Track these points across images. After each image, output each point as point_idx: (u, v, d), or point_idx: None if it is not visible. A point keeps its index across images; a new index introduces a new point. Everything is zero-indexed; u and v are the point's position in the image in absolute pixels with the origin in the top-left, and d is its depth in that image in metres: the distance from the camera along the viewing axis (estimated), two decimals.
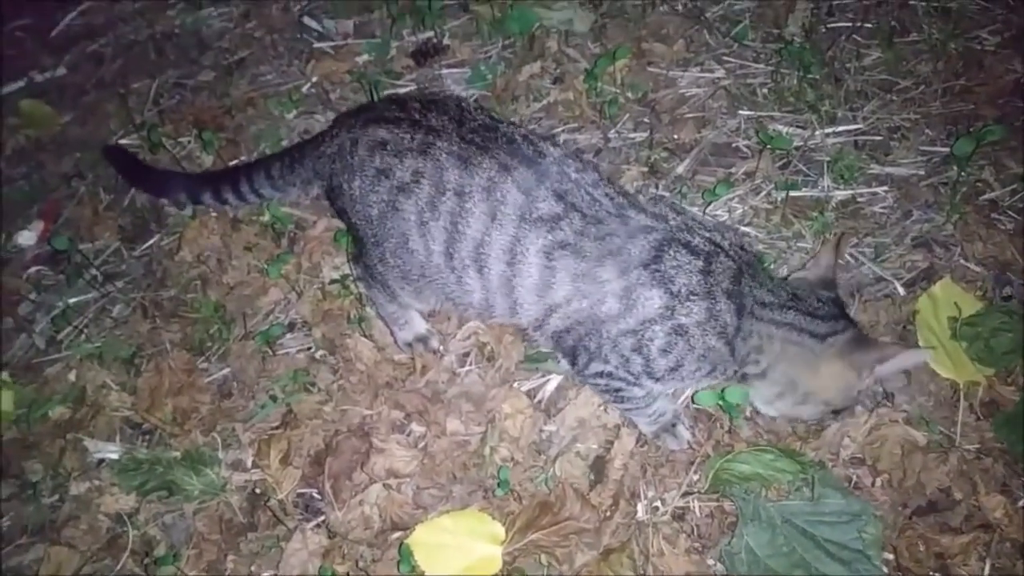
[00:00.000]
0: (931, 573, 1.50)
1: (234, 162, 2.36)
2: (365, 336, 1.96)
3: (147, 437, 1.89)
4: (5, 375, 2.00)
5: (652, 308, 1.38)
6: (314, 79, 2.55)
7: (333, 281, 2.03)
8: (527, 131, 1.55)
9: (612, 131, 2.29)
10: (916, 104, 2.24)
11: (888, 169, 2.12)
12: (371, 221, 1.58)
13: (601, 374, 1.55)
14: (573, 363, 1.59)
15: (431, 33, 2.60)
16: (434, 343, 1.93)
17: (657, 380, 1.53)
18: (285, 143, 2.39)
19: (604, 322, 1.42)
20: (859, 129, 2.20)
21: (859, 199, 2.07)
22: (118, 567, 1.70)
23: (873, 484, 1.63)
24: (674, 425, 1.72)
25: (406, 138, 1.51)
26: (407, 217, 1.51)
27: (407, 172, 1.48)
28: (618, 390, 1.58)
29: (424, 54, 2.56)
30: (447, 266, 1.53)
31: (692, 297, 1.37)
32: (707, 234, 1.40)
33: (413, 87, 2.49)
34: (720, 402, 1.59)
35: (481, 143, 1.46)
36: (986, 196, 2.02)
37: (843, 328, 1.49)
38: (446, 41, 2.59)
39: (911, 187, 2.07)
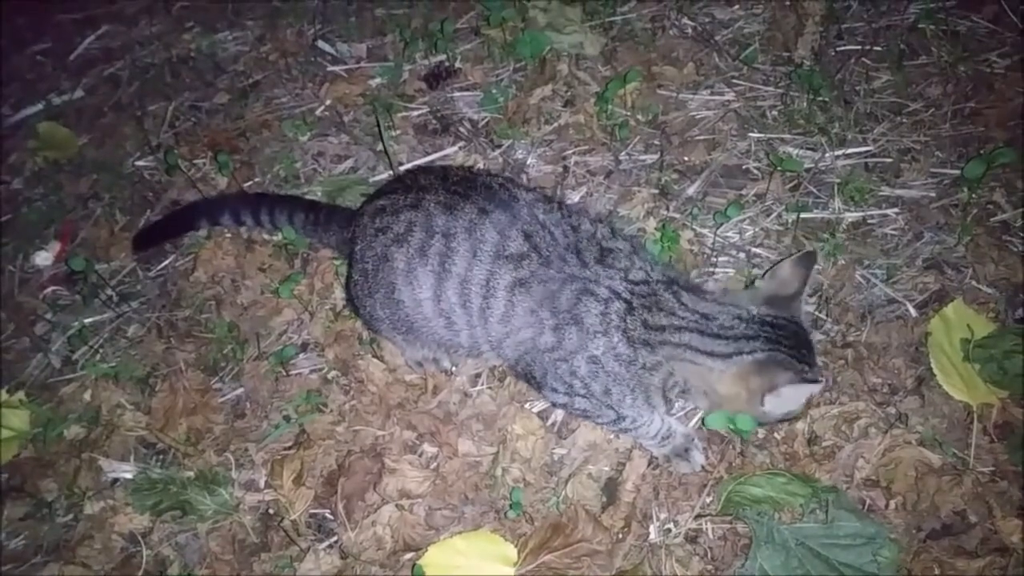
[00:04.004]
0: None
1: (248, 184, 2.39)
2: (376, 357, 1.97)
3: (161, 457, 1.90)
4: (21, 394, 2.01)
5: (572, 343, 1.59)
6: (328, 102, 2.58)
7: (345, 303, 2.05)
8: (503, 179, 1.75)
9: (623, 153, 2.31)
10: (926, 126, 2.25)
11: (899, 191, 2.13)
12: (366, 275, 1.75)
13: (557, 395, 1.69)
14: (538, 388, 1.73)
15: (443, 57, 2.63)
16: (445, 363, 1.93)
17: (606, 406, 1.65)
18: (299, 165, 2.42)
19: (543, 352, 1.63)
20: (869, 151, 2.21)
21: (870, 221, 2.08)
22: None
23: (887, 507, 1.62)
24: (687, 449, 1.72)
25: (401, 199, 1.72)
26: (395, 267, 1.68)
27: (402, 225, 1.68)
28: (585, 411, 1.69)
29: (436, 77, 2.59)
30: (435, 310, 1.68)
31: (596, 335, 1.57)
32: (609, 282, 1.58)
33: (425, 110, 2.52)
34: (731, 426, 1.59)
35: (463, 192, 1.67)
36: (997, 218, 2.02)
37: (751, 350, 1.49)
38: (458, 64, 2.62)
39: (922, 209, 2.08)
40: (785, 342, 1.50)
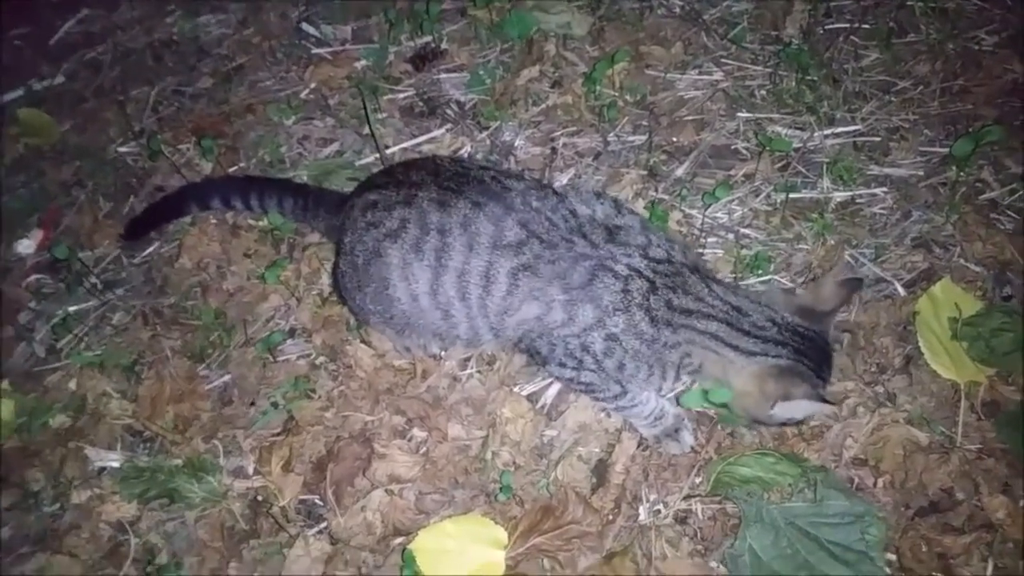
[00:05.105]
0: (934, 574, 1.50)
1: (233, 168, 2.37)
2: (364, 342, 1.96)
3: (148, 445, 1.88)
4: (5, 384, 1.99)
5: (587, 319, 1.59)
6: (312, 85, 2.55)
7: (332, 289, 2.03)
8: (495, 172, 1.75)
9: (611, 134, 2.29)
10: (915, 105, 2.24)
11: (887, 170, 2.12)
12: (356, 268, 1.75)
13: (564, 370, 1.69)
14: (543, 363, 1.73)
15: (429, 38, 2.60)
16: (433, 348, 1.93)
17: (615, 380, 1.64)
18: (284, 149, 2.39)
19: (552, 329, 1.63)
20: (858, 130, 2.20)
21: (858, 200, 2.07)
22: (120, 575, 1.69)
23: (875, 485, 1.63)
24: (677, 430, 1.72)
25: (393, 195, 1.71)
26: (389, 262, 1.68)
27: (395, 221, 1.68)
28: (590, 384, 1.69)
29: (422, 59, 2.56)
30: (432, 304, 1.69)
31: (616, 312, 1.57)
32: (627, 260, 1.58)
33: (412, 92, 2.49)
34: (705, 403, 1.61)
35: (456, 188, 1.67)
36: (985, 196, 2.02)
37: (777, 355, 1.53)
38: (444, 46, 2.59)
39: (910, 188, 2.07)
40: (809, 355, 1.54)
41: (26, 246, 2.31)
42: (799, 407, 1.54)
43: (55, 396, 1.97)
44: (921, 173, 2.10)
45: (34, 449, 1.90)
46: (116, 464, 1.83)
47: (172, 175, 2.36)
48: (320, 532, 1.72)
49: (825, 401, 1.52)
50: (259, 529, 1.73)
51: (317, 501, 1.76)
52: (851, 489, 1.62)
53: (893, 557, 1.54)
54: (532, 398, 1.85)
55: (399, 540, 1.68)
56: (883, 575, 1.51)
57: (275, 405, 1.88)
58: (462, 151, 2.33)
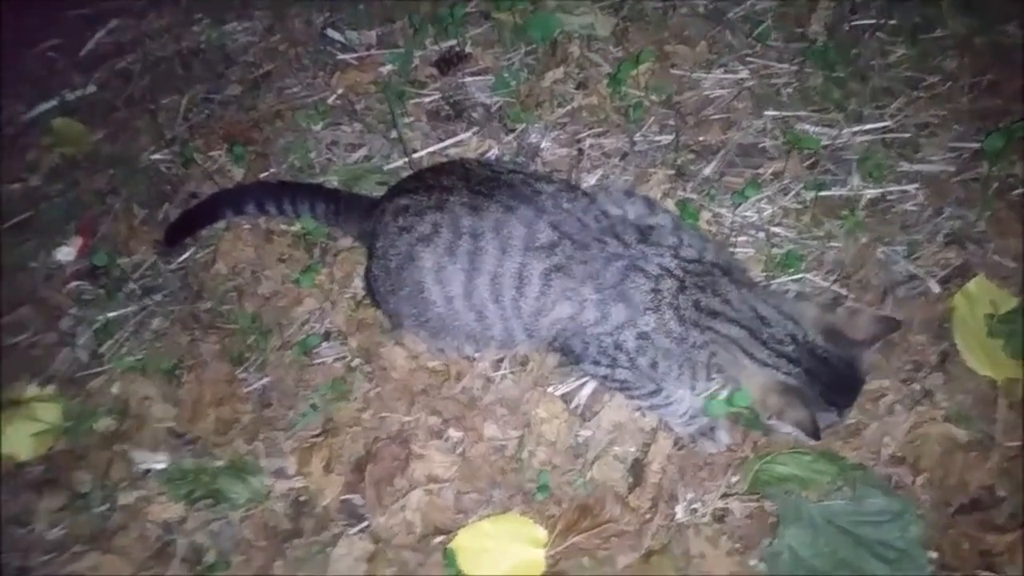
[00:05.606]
0: (977, 571, 1.50)
1: (263, 174, 2.40)
2: (398, 344, 1.98)
3: (191, 447, 1.92)
4: (51, 388, 2.04)
5: (619, 318, 1.62)
6: (339, 91, 2.57)
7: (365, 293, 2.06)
8: (525, 174, 1.79)
9: (637, 135, 2.30)
10: (944, 100, 2.23)
11: (917, 166, 2.12)
12: (389, 272, 1.79)
13: (598, 367, 1.71)
14: (577, 361, 1.76)
15: (453, 42, 2.62)
16: (467, 349, 1.95)
17: (649, 378, 1.68)
18: (313, 155, 2.42)
19: (586, 328, 1.66)
20: (887, 127, 2.20)
21: (889, 197, 2.07)
22: (168, 574, 1.73)
23: (914, 483, 1.63)
24: (713, 428, 1.74)
25: (424, 199, 1.75)
26: (423, 266, 1.71)
27: (427, 225, 1.71)
28: (625, 381, 1.71)
29: (447, 62, 2.58)
30: (466, 305, 1.72)
31: (647, 311, 1.60)
32: (659, 259, 1.61)
33: (437, 96, 2.52)
34: (731, 408, 1.66)
35: (487, 192, 1.70)
36: (1018, 191, 2.02)
37: (787, 372, 1.53)
38: (468, 49, 2.60)
39: (941, 184, 2.07)
40: (822, 379, 1.53)
41: (66, 253, 2.35)
42: (790, 427, 1.56)
43: (99, 400, 2.01)
44: (952, 169, 2.10)
45: (81, 452, 1.93)
46: (161, 466, 1.87)
47: (204, 182, 2.40)
48: (362, 531, 1.75)
49: (815, 433, 1.50)
50: (302, 528, 1.76)
51: (357, 501, 1.79)
52: (890, 487, 1.63)
53: (934, 555, 1.54)
54: (566, 398, 1.87)
55: (439, 539, 1.71)
56: (925, 573, 1.51)
57: (314, 407, 1.91)
58: (489, 154, 2.35)
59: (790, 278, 1.95)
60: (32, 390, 2.03)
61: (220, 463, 1.84)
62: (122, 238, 2.34)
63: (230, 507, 1.78)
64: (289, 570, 1.71)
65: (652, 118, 2.34)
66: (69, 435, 1.95)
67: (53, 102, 2.77)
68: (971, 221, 1.98)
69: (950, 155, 2.12)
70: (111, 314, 2.17)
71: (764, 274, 1.96)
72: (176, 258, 2.27)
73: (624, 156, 2.27)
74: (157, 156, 2.53)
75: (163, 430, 1.94)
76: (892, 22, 2.41)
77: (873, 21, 2.43)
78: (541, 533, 1.66)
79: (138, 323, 2.15)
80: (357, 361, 1.99)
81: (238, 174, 2.41)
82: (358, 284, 2.10)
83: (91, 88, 2.80)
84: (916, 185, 2.08)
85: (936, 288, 1.88)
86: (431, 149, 2.37)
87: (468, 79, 2.54)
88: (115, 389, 2.01)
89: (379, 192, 2.14)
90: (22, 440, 1.94)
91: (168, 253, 2.28)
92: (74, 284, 2.28)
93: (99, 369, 2.08)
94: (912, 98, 2.25)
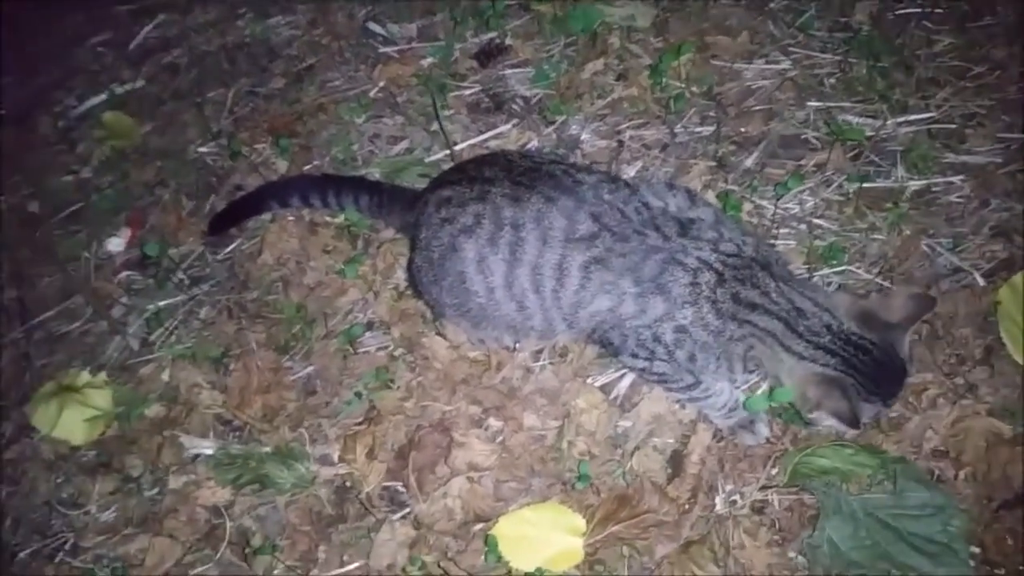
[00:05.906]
0: (1021, 568, 1.49)
1: (307, 167, 2.44)
2: (439, 335, 2.01)
3: (238, 433, 1.97)
4: (103, 375, 2.11)
5: (657, 311, 1.62)
6: (381, 83, 2.61)
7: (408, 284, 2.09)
8: (566, 165, 1.79)
9: (678, 126, 2.30)
10: (991, 90, 2.19)
11: (963, 158, 2.08)
12: (431, 263, 1.81)
13: (636, 360, 1.71)
14: (616, 353, 1.77)
15: (494, 34, 2.64)
16: (507, 340, 1.97)
17: (688, 371, 1.68)
18: (355, 147, 2.45)
19: (624, 320, 1.66)
20: (932, 117, 2.17)
21: (934, 189, 2.04)
22: (217, 556, 1.79)
23: (956, 477, 1.62)
24: (752, 421, 1.74)
25: (466, 191, 1.76)
26: (465, 257, 1.73)
27: (470, 216, 1.72)
28: (663, 374, 1.71)
29: (487, 55, 2.60)
30: (507, 295, 1.73)
31: (685, 305, 1.60)
32: (698, 253, 1.60)
33: (478, 88, 2.53)
34: (772, 403, 1.64)
35: (528, 183, 1.71)
36: None
37: (825, 364, 1.52)
38: (508, 41, 2.62)
39: (988, 175, 2.03)
40: (862, 368, 1.51)
41: (116, 244, 2.42)
42: (829, 420, 1.54)
43: (149, 387, 2.08)
44: (999, 160, 2.06)
45: (132, 437, 2.01)
46: (209, 451, 1.93)
47: (250, 174, 2.45)
48: (404, 517, 1.79)
49: (854, 422, 1.49)
50: (346, 514, 1.81)
51: (400, 488, 1.83)
52: (932, 481, 1.62)
53: (977, 550, 1.53)
54: (605, 389, 1.89)
55: (479, 526, 1.74)
56: (967, 568, 1.50)
57: (358, 395, 1.95)
58: (529, 146, 2.36)
59: (832, 271, 1.94)
60: (84, 377, 2.11)
61: (266, 449, 1.89)
62: (170, 229, 2.40)
63: (276, 492, 1.84)
64: (333, 554, 1.75)
65: (693, 109, 2.33)
66: (120, 421, 2.03)
67: (103, 96, 2.85)
68: (1018, 213, 1.95)
69: (997, 146, 2.09)
70: (160, 303, 2.24)
71: (806, 266, 1.95)
72: (223, 249, 2.33)
73: (664, 148, 2.27)
74: (204, 149, 2.59)
75: (211, 416, 2.00)
76: (938, 10, 2.37)
77: (919, 9, 2.39)
78: (580, 522, 1.69)
79: (187, 312, 2.22)
80: (400, 351, 2.03)
81: (282, 166, 2.46)
82: (400, 275, 2.13)
83: (139, 82, 2.88)
84: (962, 177, 2.04)
85: (981, 281, 1.86)
86: (471, 141, 2.40)
87: (508, 71, 2.55)
88: (165, 376, 2.08)
89: (421, 184, 2.17)
90: (76, 425, 2.03)
91: (215, 244, 2.34)
92: (124, 274, 2.36)
93: (149, 357, 2.15)
94: (958, 88, 2.21)
